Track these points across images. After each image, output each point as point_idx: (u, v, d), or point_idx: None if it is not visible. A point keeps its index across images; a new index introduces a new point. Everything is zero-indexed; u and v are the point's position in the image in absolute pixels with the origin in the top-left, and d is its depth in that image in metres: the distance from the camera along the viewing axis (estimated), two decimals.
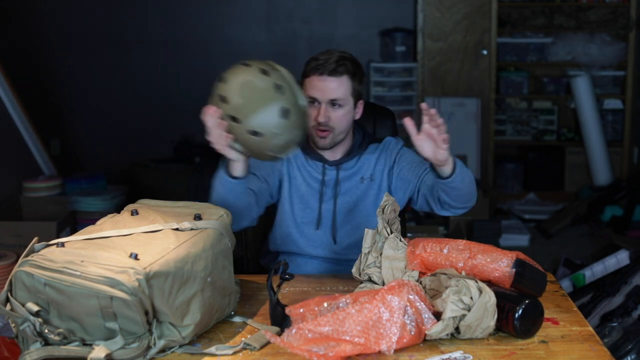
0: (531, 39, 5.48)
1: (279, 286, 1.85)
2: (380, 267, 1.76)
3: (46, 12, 5.53)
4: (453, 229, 4.46)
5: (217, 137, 1.82)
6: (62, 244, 1.50)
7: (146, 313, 1.43)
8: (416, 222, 4.70)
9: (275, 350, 1.51)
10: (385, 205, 1.78)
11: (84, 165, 5.59)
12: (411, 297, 1.49)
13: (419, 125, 1.82)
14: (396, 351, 1.47)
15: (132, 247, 1.49)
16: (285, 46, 5.66)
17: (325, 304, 1.50)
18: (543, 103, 5.58)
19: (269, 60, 1.87)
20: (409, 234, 3.51)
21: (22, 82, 4.81)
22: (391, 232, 1.78)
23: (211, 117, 1.82)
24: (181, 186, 4.73)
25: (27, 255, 1.47)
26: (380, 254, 1.76)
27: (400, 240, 1.77)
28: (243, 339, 1.56)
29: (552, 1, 5.41)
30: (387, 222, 1.78)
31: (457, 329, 1.52)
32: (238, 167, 1.89)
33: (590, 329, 1.61)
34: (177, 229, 1.60)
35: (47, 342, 1.46)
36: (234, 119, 1.81)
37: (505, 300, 1.55)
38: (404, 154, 2.17)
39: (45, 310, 1.45)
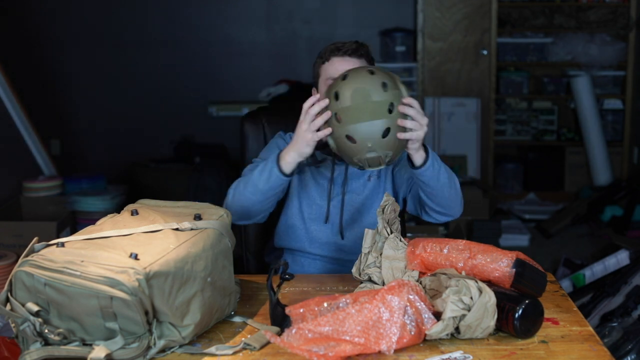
0: (531, 39, 5.49)
1: (279, 286, 1.85)
2: (380, 267, 1.76)
3: (46, 12, 5.53)
4: (453, 229, 4.46)
5: (312, 125, 1.86)
6: (62, 244, 1.50)
7: (146, 313, 1.43)
8: (416, 222, 4.69)
9: (275, 350, 1.51)
10: (385, 205, 1.78)
11: (84, 165, 5.58)
12: (411, 297, 1.49)
13: None
14: (396, 351, 1.47)
15: (132, 247, 1.49)
16: (285, 46, 5.67)
17: (325, 304, 1.50)
18: (543, 103, 5.58)
19: (395, 75, 1.88)
20: (408, 234, 3.52)
21: (22, 82, 4.81)
22: (391, 232, 1.78)
23: (318, 106, 1.86)
24: (181, 186, 4.73)
25: (27, 255, 1.47)
26: (380, 254, 1.76)
27: (400, 240, 1.76)
28: (243, 339, 1.56)
29: (552, 1, 5.41)
30: (387, 222, 1.78)
31: (457, 329, 1.52)
32: (293, 164, 1.94)
33: (590, 329, 1.61)
34: (177, 229, 1.60)
35: (47, 342, 1.46)
36: (337, 117, 1.84)
37: (505, 300, 1.55)
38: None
39: (45, 310, 1.45)
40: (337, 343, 1.42)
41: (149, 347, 1.46)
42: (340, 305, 1.49)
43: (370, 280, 1.78)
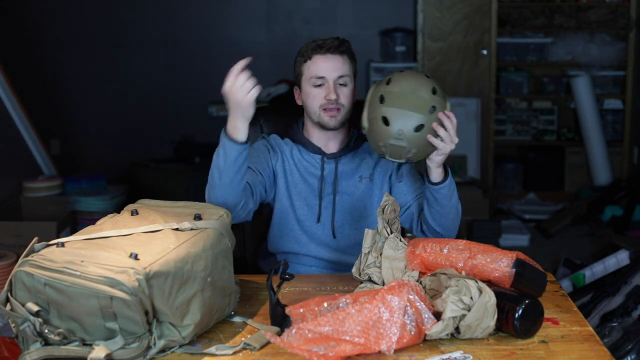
0: (531, 39, 5.48)
1: (279, 286, 1.85)
2: (380, 267, 1.76)
3: (46, 12, 5.53)
4: None
5: (244, 88, 1.82)
6: (62, 244, 1.50)
7: (146, 313, 1.43)
8: None
9: (275, 350, 1.51)
10: (385, 205, 1.78)
11: (84, 165, 5.58)
12: (411, 297, 1.49)
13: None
14: (396, 351, 1.47)
15: (132, 247, 1.49)
16: (285, 46, 5.65)
17: (325, 304, 1.50)
18: (543, 103, 5.57)
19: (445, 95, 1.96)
20: (408, 234, 3.51)
21: (22, 82, 4.81)
22: (391, 232, 1.78)
23: (240, 65, 1.82)
24: (181, 186, 4.71)
25: (27, 255, 1.47)
26: (380, 254, 1.76)
27: (400, 240, 1.77)
28: (243, 339, 1.56)
29: (552, 1, 5.40)
30: (387, 222, 1.79)
31: (457, 329, 1.52)
32: (243, 130, 1.88)
33: (590, 329, 1.61)
34: (177, 229, 1.60)
35: (47, 342, 1.46)
36: (382, 98, 1.91)
37: (505, 300, 1.55)
38: (405, 165, 2.17)
39: (45, 310, 1.45)
40: (337, 343, 1.42)
41: (149, 347, 1.46)
42: (340, 305, 1.49)
43: (370, 280, 1.78)
